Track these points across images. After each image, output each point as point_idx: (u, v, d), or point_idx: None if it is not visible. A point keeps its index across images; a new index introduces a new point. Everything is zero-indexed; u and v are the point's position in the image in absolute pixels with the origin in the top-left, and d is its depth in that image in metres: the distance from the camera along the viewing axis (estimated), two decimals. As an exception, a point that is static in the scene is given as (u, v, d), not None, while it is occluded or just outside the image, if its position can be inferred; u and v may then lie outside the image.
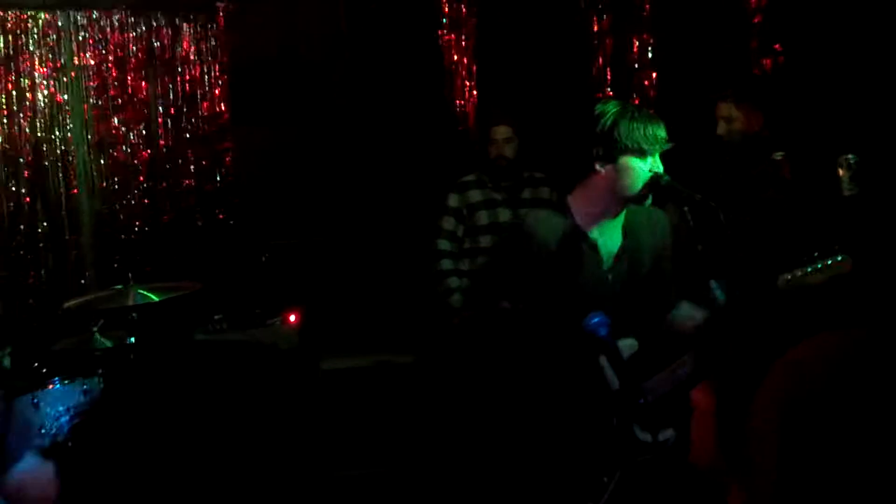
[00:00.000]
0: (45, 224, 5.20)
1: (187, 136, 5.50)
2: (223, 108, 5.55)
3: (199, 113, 5.53)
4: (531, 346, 2.53)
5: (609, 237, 2.69)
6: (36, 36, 5.15)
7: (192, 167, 5.50)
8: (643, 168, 2.58)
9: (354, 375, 4.97)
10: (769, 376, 1.66)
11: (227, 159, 5.58)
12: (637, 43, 5.04)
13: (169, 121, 5.46)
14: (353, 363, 4.99)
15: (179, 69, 5.45)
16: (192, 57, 5.50)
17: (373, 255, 5.29)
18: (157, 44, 5.39)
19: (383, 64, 5.40)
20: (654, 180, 2.58)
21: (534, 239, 2.63)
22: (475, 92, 5.37)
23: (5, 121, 5.13)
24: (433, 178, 4.91)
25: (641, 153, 2.58)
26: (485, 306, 4.16)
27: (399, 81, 5.38)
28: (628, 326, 2.51)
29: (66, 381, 3.56)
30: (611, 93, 5.08)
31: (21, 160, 5.16)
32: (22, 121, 5.15)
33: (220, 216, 5.49)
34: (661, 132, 2.61)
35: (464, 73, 5.37)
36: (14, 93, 5.13)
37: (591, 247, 2.66)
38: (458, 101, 5.39)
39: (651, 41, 5.02)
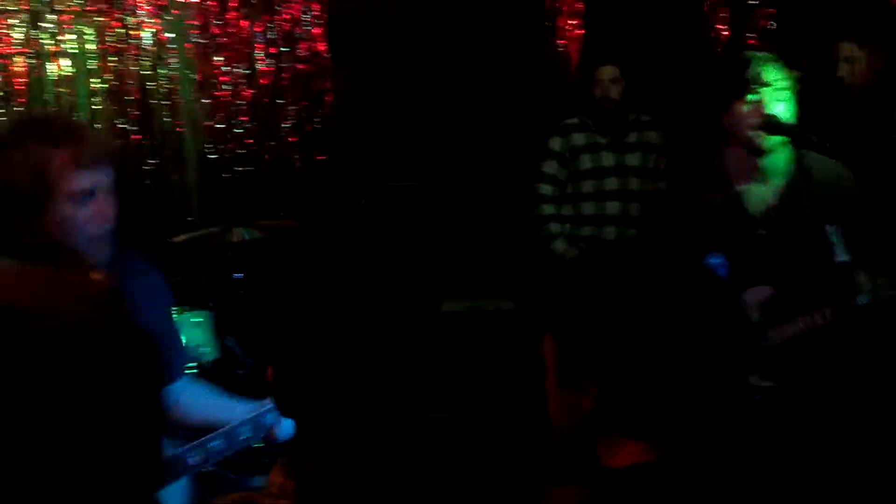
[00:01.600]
0: (151, 161, 5.30)
1: (287, 76, 5.52)
2: (323, 48, 5.55)
3: (299, 53, 5.54)
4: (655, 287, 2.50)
5: (760, 191, 2.66)
6: (140, -27, 5.20)
7: (291, 107, 5.52)
8: (768, 109, 2.55)
9: (450, 320, 4.99)
10: None
11: (327, 100, 5.59)
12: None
13: (270, 60, 5.48)
14: (449, 308, 5.01)
15: (279, 8, 5.46)
16: (292, -5, 5.50)
17: (471, 199, 5.27)
18: (257, -19, 5.40)
19: (484, 3, 5.32)
20: (772, 123, 2.55)
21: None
22: (579, 31, 5.25)
23: (114, 59, 5.21)
24: (535, 122, 4.84)
25: (764, 95, 2.54)
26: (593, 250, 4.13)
27: (500, 21, 5.30)
28: (769, 276, 2.47)
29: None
30: (725, 31, 4.92)
31: (128, 98, 5.24)
32: (128, 59, 5.22)
33: (319, 157, 5.52)
34: (782, 73, 2.56)
35: (567, 10, 5.25)
36: (121, 31, 5.19)
37: (737, 199, 2.64)
38: (560, 41, 5.29)
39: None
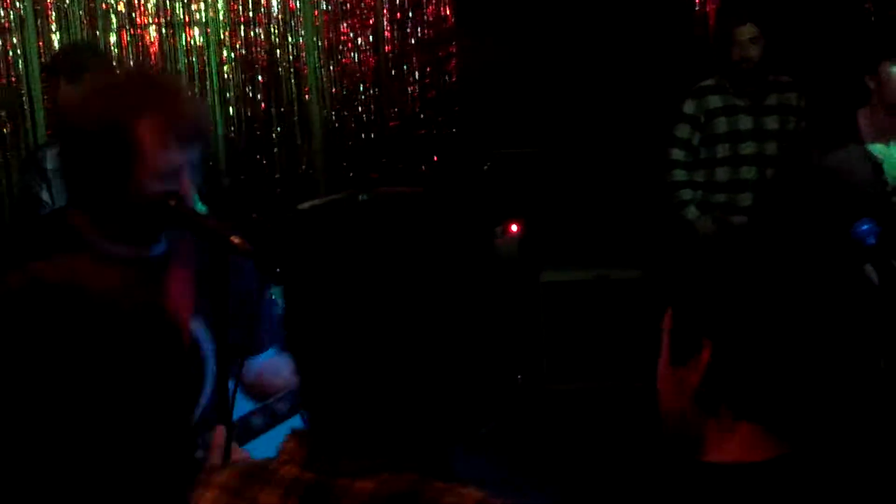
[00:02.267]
0: (278, 129, 5.34)
1: (412, 41, 5.48)
2: (448, 12, 5.48)
3: (425, 18, 5.48)
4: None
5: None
6: (269, -59, 5.23)
7: (416, 73, 5.48)
8: None
9: (575, 288, 4.88)
10: None
11: (451, 66, 5.53)
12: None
13: (395, 26, 5.45)
14: (574, 276, 4.91)
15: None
16: (416, -41, 5.44)
17: (600, 165, 5.12)
18: (384, -54, 5.37)
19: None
20: None
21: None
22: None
23: (243, 28, 5.27)
24: (668, 84, 4.66)
25: None
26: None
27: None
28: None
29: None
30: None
31: (257, 66, 5.29)
32: (258, 27, 5.27)
33: (443, 123, 5.47)
34: None
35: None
36: (251, 0, 5.24)
37: (875, 162, 2.45)
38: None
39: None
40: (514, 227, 4.66)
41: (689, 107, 4.27)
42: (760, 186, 4.16)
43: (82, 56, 3.83)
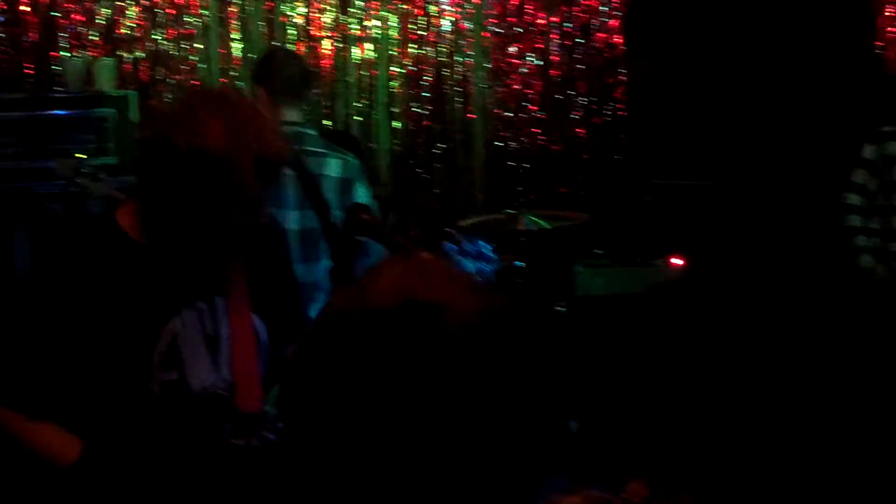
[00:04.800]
0: (441, 146, 5.43)
1: (580, 66, 5.49)
2: (618, 39, 5.47)
3: (593, 44, 5.49)
4: None
5: None
6: (445, -37, 5.34)
7: (582, 99, 5.49)
8: None
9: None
10: None
11: (619, 93, 5.51)
12: None
13: (563, 50, 5.47)
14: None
15: (578, -1, 5.44)
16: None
17: (768, 203, 5.01)
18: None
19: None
20: None
21: None
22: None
23: (413, 46, 5.38)
24: (847, 126, 4.53)
25: None
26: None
27: (814, 16, 4.98)
28: None
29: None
30: None
31: (424, 83, 5.40)
32: (427, 46, 5.38)
33: (608, 150, 5.45)
34: None
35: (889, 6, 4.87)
36: (423, 19, 5.36)
37: None
38: (880, 42, 4.92)
39: None
40: (677, 261, 4.61)
41: (868, 152, 4.14)
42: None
43: (284, 66, 3.80)
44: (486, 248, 2.39)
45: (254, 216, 1.95)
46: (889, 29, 4.89)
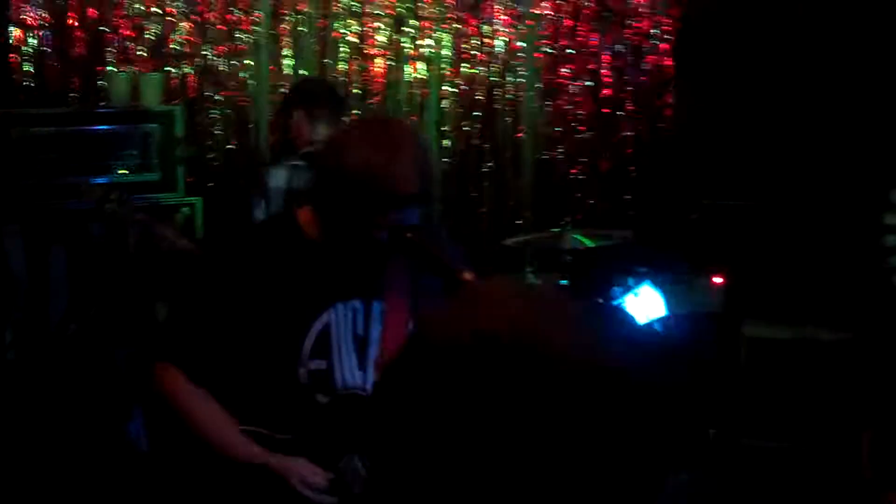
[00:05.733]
0: (490, 164, 5.49)
1: (629, 88, 5.53)
2: (668, 62, 5.51)
3: (644, 66, 5.53)
4: None
5: None
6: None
7: (630, 120, 5.53)
8: None
9: (776, 346, 4.78)
10: None
11: (667, 114, 5.54)
12: None
13: (613, 72, 5.52)
14: (775, 333, 4.80)
15: (630, 21, 5.48)
16: (641, 10, 5.49)
17: (811, 224, 5.00)
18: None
19: (850, 21, 5.02)
20: None
21: None
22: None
23: (466, 65, 5.45)
24: (891, 149, 4.52)
25: None
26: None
27: (864, 42, 4.97)
28: None
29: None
30: None
31: (476, 102, 5.46)
32: (480, 65, 5.45)
33: (654, 170, 5.48)
34: None
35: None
36: (477, 39, 5.42)
37: None
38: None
39: None
40: (718, 279, 4.62)
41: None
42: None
43: (320, 91, 4.16)
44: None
45: (415, 226, 2.17)
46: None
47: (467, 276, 2.09)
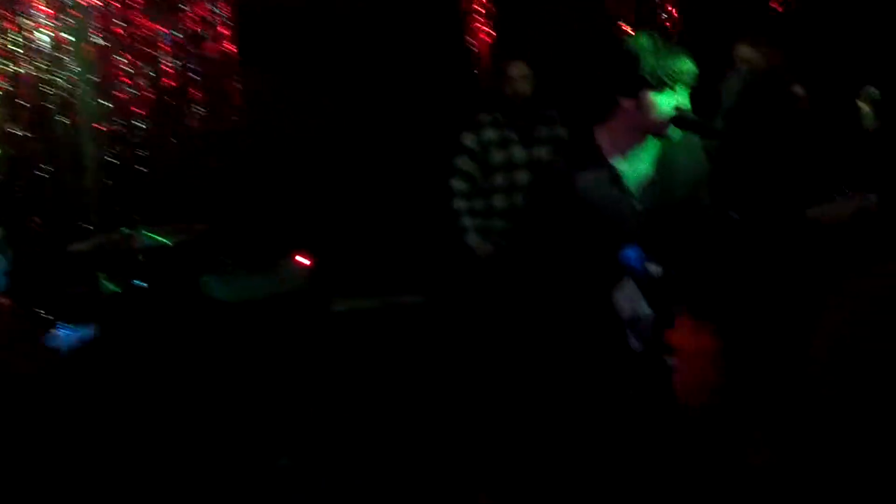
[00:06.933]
0: (47, 167, 5.10)
1: (193, 76, 5.39)
2: (231, 48, 5.43)
3: (206, 54, 5.41)
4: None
5: (636, 167, 2.58)
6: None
7: (198, 108, 5.39)
8: (667, 103, 2.47)
9: (364, 317, 4.91)
10: (827, 316, 1.50)
11: (235, 101, 5.48)
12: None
13: (174, 61, 5.34)
14: (362, 304, 4.93)
15: (184, 7, 5.32)
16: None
17: (385, 196, 5.21)
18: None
19: (397, 3, 5.27)
20: (679, 116, 2.48)
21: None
22: (490, 30, 5.25)
23: (5, 63, 5.00)
24: (449, 118, 4.81)
25: (665, 88, 2.47)
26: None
27: (413, 21, 5.25)
28: (655, 253, 2.44)
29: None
30: (629, 29, 4.97)
31: (22, 102, 5.03)
32: (24, 62, 5.02)
33: (227, 158, 5.40)
34: (688, 67, 2.49)
35: (478, 9, 5.26)
36: (15, 34, 4.99)
37: (616, 177, 2.56)
38: (472, 40, 5.28)
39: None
40: (302, 259, 4.65)
41: (467, 139, 4.44)
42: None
43: None
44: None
45: None
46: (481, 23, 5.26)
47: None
